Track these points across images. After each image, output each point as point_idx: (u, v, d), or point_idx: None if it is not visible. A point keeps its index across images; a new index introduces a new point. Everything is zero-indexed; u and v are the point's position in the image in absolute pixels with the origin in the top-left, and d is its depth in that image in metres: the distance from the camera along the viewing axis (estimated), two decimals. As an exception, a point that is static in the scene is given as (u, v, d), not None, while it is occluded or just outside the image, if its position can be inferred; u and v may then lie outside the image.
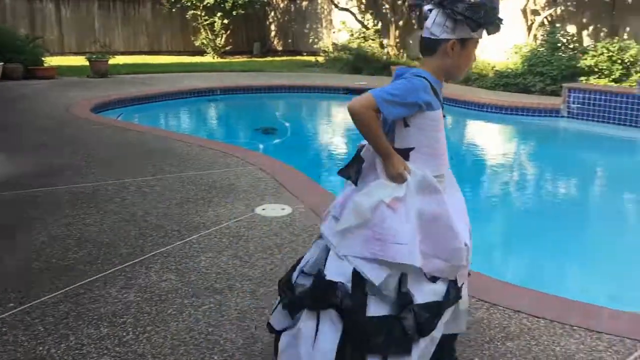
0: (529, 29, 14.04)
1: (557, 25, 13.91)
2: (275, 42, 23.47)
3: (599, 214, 5.94)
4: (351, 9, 18.64)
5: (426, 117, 2.06)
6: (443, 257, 2.09)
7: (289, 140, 9.11)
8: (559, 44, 12.79)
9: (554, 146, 9.19)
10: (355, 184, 2.15)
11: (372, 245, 2.04)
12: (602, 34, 13.56)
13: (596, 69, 11.60)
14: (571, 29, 13.95)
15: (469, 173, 7.57)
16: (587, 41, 13.72)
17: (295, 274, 2.30)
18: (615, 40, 11.89)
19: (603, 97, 9.48)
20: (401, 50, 17.20)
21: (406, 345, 2.04)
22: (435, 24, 2.03)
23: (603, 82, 11.36)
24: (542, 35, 13.76)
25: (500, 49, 14.63)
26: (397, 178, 2.06)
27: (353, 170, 2.17)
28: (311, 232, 4.11)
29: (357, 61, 16.04)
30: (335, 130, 10.65)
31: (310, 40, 21.81)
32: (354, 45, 17.24)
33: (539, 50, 12.68)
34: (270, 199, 4.86)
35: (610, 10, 13.49)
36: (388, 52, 17.12)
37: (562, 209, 6.02)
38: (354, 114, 2.01)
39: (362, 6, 19.06)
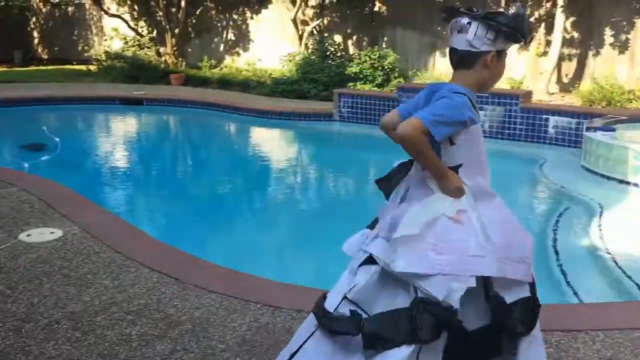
0: (300, 38, 14.78)
1: (325, 35, 14.87)
2: (39, 50, 21.51)
3: (373, 209, 6.43)
4: (123, 16, 17.83)
5: (470, 132, 2.07)
6: (527, 259, 2.08)
7: (61, 156, 8.39)
8: (328, 53, 13.67)
9: (329, 148, 9.78)
10: (387, 198, 2.13)
11: (435, 261, 1.96)
12: (364, 43, 14.80)
13: (361, 75, 12.61)
14: (338, 38, 14.99)
15: (254, 178, 7.71)
16: (352, 50, 14.88)
17: (333, 302, 2.10)
18: (375, 49, 13.07)
19: (368, 101, 10.34)
20: (180, 59, 16.94)
21: (514, 345, 2.03)
22: (476, 36, 2.03)
23: (368, 87, 12.40)
24: (312, 44, 14.58)
25: (275, 57, 15.20)
26: (457, 192, 2.05)
27: (390, 185, 2.17)
28: (86, 255, 3.82)
29: (133, 70, 15.41)
30: (112, 143, 10.08)
31: (80, 48, 20.40)
32: (129, 53, 16.53)
33: (310, 59, 13.41)
34: (38, 222, 4.41)
35: (370, 21, 14.79)
36: (166, 61, 16.73)
37: (337, 206, 6.41)
38: (404, 139, 1.96)
39: (135, 13, 18.37)
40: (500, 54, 2.10)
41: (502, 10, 2.04)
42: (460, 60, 2.10)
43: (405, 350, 1.95)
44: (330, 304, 2.11)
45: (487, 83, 2.16)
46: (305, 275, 4.38)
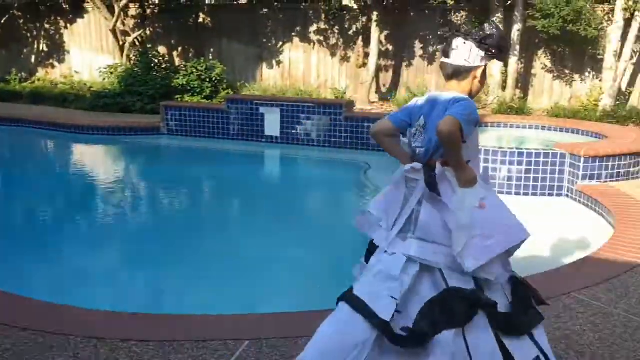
0: (122, 49, 14.11)
1: (149, 46, 14.36)
2: None
3: (205, 223, 6.27)
4: None
5: (475, 132, 2.41)
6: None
7: None
8: (153, 64, 13.21)
9: (159, 163, 9.42)
10: (439, 195, 2.30)
11: (490, 246, 2.24)
12: (190, 55, 14.55)
13: (189, 87, 12.37)
14: (162, 49, 14.58)
15: (75, 200, 7.16)
16: (178, 61, 14.55)
17: (389, 310, 2.21)
18: (202, 61, 12.89)
19: (197, 113, 10.15)
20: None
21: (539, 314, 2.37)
22: (471, 54, 2.41)
23: (196, 99, 12.20)
24: (135, 55, 13.99)
25: (95, 69, 14.38)
26: (474, 181, 2.33)
27: (436, 190, 2.32)
28: None
29: None
30: None
31: None
32: None
33: (134, 71, 12.86)
34: None
35: (195, 33, 14.58)
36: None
37: (171, 225, 6.17)
38: (449, 135, 2.20)
39: None
40: (485, 68, 2.49)
41: (490, 32, 2.42)
42: (456, 73, 2.45)
43: (447, 334, 2.18)
44: (386, 314, 2.21)
45: (477, 91, 2.51)
46: (132, 301, 4.12)
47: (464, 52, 2.41)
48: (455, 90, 2.44)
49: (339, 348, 2.21)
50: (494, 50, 2.41)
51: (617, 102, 11.01)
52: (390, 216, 2.42)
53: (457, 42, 2.42)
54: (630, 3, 10.67)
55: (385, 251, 2.35)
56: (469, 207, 2.27)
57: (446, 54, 2.45)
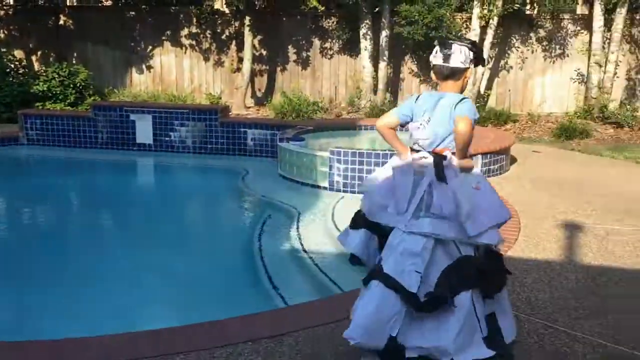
0: (-28, 53, 12.93)
1: (3, 49, 13.26)
2: None
3: (71, 239, 5.87)
4: None
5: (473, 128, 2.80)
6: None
7: None
8: (8, 70, 12.24)
9: (18, 176, 8.69)
10: (446, 182, 2.74)
11: (483, 221, 2.71)
12: (51, 59, 13.63)
13: (50, 94, 11.58)
14: (19, 53, 13.53)
15: None
16: (37, 66, 13.59)
17: (415, 282, 2.63)
18: (64, 65, 12.13)
19: (60, 121, 9.51)
20: None
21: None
22: (465, 57, 2.85)
23: (59, 106, 11.45)
24: (-13, 59, 12.87)
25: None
26: (471, 169, 2.85)
27: (442, 174, 2.74)
28: None
29: None
30: None
31: None
32: None
33: (-14, 76, 11.83)
34: None
35: (55, 36, 13.70)
36: None
37: (33, 243, 5.70)
38: (465, 133, 2.69)
39: None
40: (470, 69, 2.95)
41: (475, 41, 2.86)
42: (453, 73, 2.87)
43: (463, 295, 2.67)
44: (413, 286, 2.63)
45: (464, 89, 2.95)
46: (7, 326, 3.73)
47: (460, 56, 2.85)
48: (451, 88, 2.89)
49: (379, 322, 2.64)
50: (479, 54, 2.91)
51: (477, 104, 11.79)
52: (399, 199, 2.80)
53: (455, 48, 2.86)
54: (485, 12, 11.49)
55: (405, 231, 2.73)
56: (468, 192, 2.74)
57: (446, 59, 2.86)
